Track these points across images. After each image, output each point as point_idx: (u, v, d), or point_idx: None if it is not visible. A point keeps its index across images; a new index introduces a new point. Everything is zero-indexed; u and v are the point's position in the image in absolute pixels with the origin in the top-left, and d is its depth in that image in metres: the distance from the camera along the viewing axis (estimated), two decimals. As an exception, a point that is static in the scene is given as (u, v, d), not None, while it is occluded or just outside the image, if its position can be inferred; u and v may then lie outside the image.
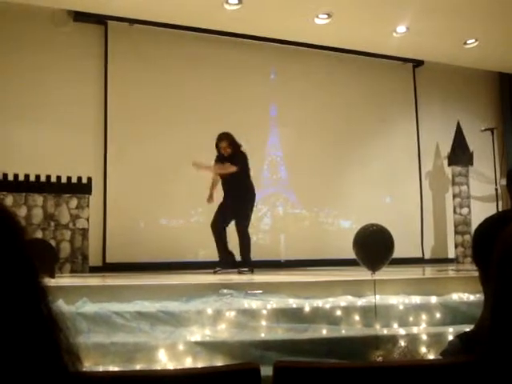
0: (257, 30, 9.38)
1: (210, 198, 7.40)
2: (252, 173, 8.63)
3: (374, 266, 4.82)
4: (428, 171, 11.07)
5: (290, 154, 9.94)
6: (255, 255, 9.08)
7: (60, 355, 0.57)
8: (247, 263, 7.29)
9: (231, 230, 7.37)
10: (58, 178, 7.94)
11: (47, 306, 0.58)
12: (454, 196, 10.46)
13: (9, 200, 7.51)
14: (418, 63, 10.97)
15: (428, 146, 11.00)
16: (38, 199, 7.76)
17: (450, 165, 10.59)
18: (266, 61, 9.87)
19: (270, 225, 9.81)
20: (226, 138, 7.29)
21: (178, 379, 1.43)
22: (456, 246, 10.36)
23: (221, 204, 7.36)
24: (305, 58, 10.03)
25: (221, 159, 7.35)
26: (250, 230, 9.44)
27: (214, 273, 7.11)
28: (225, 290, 4.94)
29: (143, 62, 9.03)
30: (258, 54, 9.74)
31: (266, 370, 1.57)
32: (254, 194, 7.38)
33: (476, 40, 9.74)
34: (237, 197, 7.25)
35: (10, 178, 7.73)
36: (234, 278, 6.46)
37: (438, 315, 5.00)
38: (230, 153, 7.25)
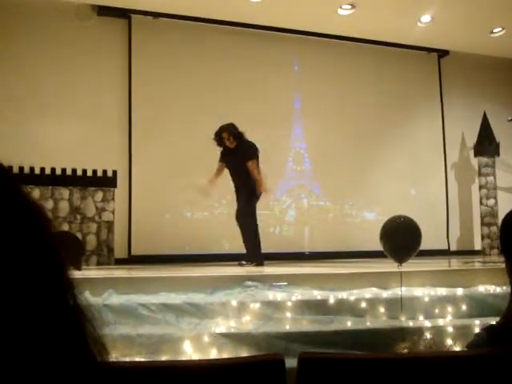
0: (281, 22, 9.36)
1: (210, 184, 7.23)
2: (276, 165, 8.62)
3: (401, 258, 4.79)
4: (454, 162, 10.96)
5: (314, 146, 9.90)
6: (280, 247, 9.12)
7: (87, 345, 0.58)
8: (247, 255, 7.08)
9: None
10: (84, 171, 8.04)
11: (74, 297, 0.58)
12: (481, 187, 10.35)
13: (35, 193, 7.61)
14: (443, 53, 10.85)
15: (454, 137, 10.89)
16: (65, 192, 7.86)
17: (476, 155, 10.48)
18: (290, 52, 9.84)
19: (295, 217, 9.80)
20: (227, 130, 7.08)
21: (204, 370, 1.45)
22: (482, 238, 10.26)
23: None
24: (328, 49, 9.98)
25: (227, 153, 7.17)
26: (274, 221, 9.52)
27: (239, 265, 7.09)
28: (249, 282, 4.95)
29: (167, 56, 9.06)
30: (281, 46, 9.70)
31: (291, 362, 1.57)
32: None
33: (503, 28, 9.59)
34: (244, 187, 7.10)
35: (37, 171, 7.85)
36: (259, 270, 6.46)
37: (464, 307, 4.96)
38: (236, 144, 7.08)
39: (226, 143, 7.10)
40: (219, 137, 7.12)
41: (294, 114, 9.92)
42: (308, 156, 9.93)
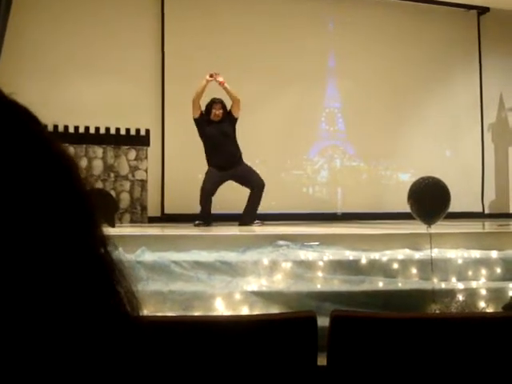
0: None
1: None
2: (309, 125, 8.49)
3: (428, 220, 4.73)
4: (491, 123, 10.73)
5: (348, 106, 9.78)
6: (312, 208, 9.12)
7: (120, 300, 0.57)
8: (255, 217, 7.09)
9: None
10: (117, 129, 8.08)
11: (107, 252, 0.58)
12: (518, 149, 10.16)
13: (70, 152, 7.68)
14: (483, 10, 10.53)
15: (491, 98, 10.64)
16: (98, 151, 7.93)
17: (514, 117, 10.27)
18: (325, 10, 9.65)
19: (327, 177, 9.75)
20: (220, 102, 6.92)
21: (236, 326, 1.45)
22: (518, 201, 10.12)
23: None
24: (364, 6, 9.76)
25: (208, 123, 7.02)
26: (307, 181, 9.51)
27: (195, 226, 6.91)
28: (281, 242, 4.96)
29: (202, 11, 8.96)
30: (316, 4, 9.52)
31: (322, 321, 1.57)
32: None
33: (547, -16, 9.27)
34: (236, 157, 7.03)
35: (71, 130, 7.91)
36: (291, 229, 6.47)
37: (498, 270, 4.90)
38: (222, 117, 6.92)
39: (212, 116, 6.98)
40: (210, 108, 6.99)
41: (328, 73, 9.79)
42: (342, 116, 9.82)
